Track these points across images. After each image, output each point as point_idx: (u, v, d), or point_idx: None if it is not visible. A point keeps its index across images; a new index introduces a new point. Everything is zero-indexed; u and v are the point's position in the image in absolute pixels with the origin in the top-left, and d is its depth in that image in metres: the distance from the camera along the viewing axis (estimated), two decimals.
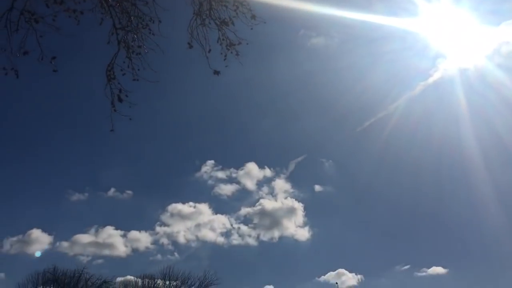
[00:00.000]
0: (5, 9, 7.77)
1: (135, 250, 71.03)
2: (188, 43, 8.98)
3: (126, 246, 69.74)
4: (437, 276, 61.71)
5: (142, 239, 71.65)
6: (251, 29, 8.83)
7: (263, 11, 8.78)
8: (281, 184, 76.62)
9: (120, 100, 8.66)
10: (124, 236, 70.43)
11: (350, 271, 62.32)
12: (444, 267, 62.65)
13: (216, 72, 9.13)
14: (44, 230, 68.94)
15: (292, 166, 74.18)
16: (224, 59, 9.12)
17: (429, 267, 63.63)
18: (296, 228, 75.11)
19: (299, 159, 70.88)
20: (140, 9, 8.65)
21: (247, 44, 9.07)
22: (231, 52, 9.06)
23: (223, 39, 9.03)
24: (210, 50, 9.05)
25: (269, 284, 70.53)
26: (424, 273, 63.00)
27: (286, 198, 76.94)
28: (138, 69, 8.73)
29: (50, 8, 7.91)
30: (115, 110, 8.65)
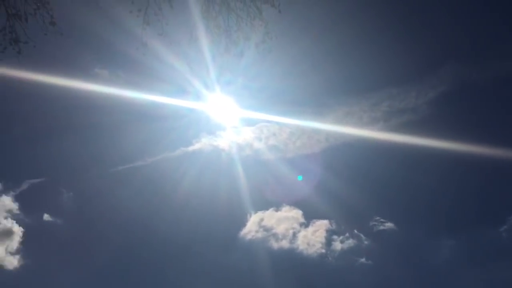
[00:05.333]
0: None
1: None
2: None
3: None
4: None
5: None
6: None
7: None
8: (6, 202, 67.78)
9: None
10: None
11: None
12: None
13: None
14: None
15: (25, 186, 64.95)
16: None
17: None
18: (6, 254, 67.15)
19: (36, 180, 60.97)
20: None
21: None
22: None
23: None
24: None
25: None
26: None
27: (6, 218, 68.69)
28: None
29: None
30: None
